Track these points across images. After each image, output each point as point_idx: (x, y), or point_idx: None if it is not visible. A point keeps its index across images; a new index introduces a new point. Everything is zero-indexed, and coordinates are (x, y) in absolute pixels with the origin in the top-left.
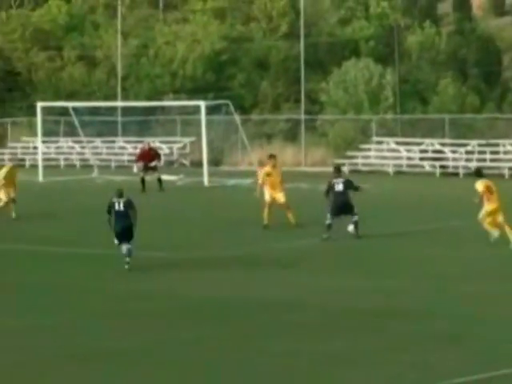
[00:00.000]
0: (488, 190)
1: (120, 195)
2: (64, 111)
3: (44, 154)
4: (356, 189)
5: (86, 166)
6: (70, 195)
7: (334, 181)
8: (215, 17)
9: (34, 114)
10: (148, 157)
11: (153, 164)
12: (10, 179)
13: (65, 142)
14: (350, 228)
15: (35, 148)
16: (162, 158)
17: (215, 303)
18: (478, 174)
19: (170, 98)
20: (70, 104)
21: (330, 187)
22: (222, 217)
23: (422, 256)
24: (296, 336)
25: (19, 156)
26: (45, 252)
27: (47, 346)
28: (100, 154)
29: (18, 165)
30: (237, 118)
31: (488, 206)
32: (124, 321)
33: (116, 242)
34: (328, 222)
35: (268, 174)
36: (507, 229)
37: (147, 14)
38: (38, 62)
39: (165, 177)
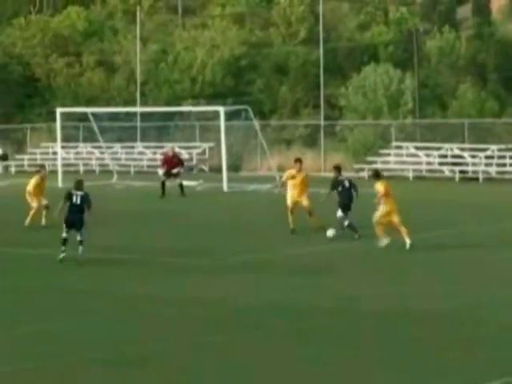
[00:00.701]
0: (386, 191)
1: (79, 187)
2: (83, 117)
3: (63, 159)
4: (356, 189)
5: (106, 172)
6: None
7: (341, 178)
8: (234, 22)
9: (53, 119)
10: (171, 163)
11: (175, 171)
12: (41, 187)
13: (84, 148)
14: (330, 233)
15: (54, 153)
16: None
17: (236, 308)
18: (377, 175)
19: (189, 103)
20: (89, 110)
21: (339, 183)
22: (241, 222)
23: (442, 260)
24: (318, 341)
25: (38, 161)
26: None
27: (69, 350)
28: (119, 159)
29: (37, 171)
30: (256, 123)
31: (384, 208)
32: (146, 326)
33: (65, 229)
34: (347, 222)
35: (292, 177)
36: (402, 230)
37: (166, 19)
38: (57, 68)
39: (184, 182)
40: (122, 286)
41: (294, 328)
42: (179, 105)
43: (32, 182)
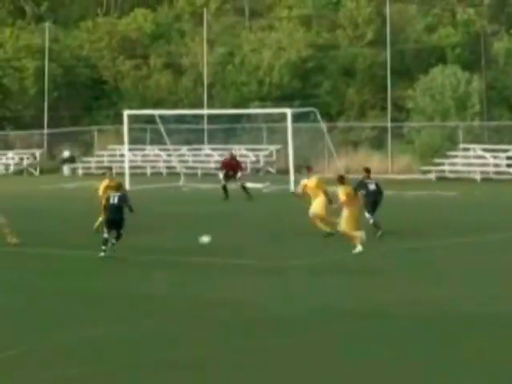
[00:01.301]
0: (348, 196)
1: (117, 189)
2: (150, 119)
3: (131, 161)
4: (381, 192)
5: (173, 174)
6: (157, 204)
7: (367, 181)
8: (301, 24)
9: (120, 122)
10: (230, 166)
11: (236, 175)
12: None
13: (151, 150)
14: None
15: (122, 156)
16: (248, 165)
17: (284, 312)
18: (341, 180)
19: (256, 105)
20: (156, 112)
21: (363, 185)
22: (302, 224)
23: (502, 262)
24: (366, 344)
25: (106, 164)
26: (126, 260)
27: (118, 354)
28: (186, 161)
29: (103, 173)
30: (323, 125)
31: (345, 213)
32: (195, 329)
33: (105, 230)
34: (372, 220)
35: (306, 186)
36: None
37: (233, 21)
38: (124, 70)
39: (251, 184)
40: (175, 287)
41: (341, 331)
42: (246, 107)
43: (102, 185)
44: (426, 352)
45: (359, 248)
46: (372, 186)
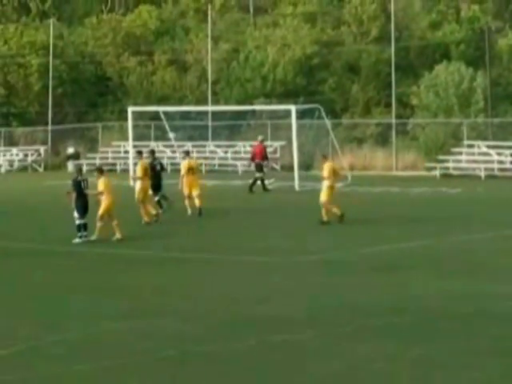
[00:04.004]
0: (106, 188)
1: (82, 173)
2: (155, 115)
3: (135, 158)
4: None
5: (177, 171)
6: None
7: (155, 162)
8: (306, 21)
9: (125, 118)
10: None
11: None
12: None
13: (155, 147)
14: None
15: (126, 152)
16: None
17: (304, 307)
18: (100, 171)
19: (261, 102)
20: (160, 108)
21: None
22: (312, 221)
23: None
24: (392, 339)
25: (110, 160)
26: (146, 256)
27: (139, 348)
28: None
29: (109, 169)
30: (327, 122)
31: (104, 203)
32: (215, 325)
33: (78, 215)
34: (156, 197)
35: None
36: (115, 224)
37: (238, 18)
38: (129, 67)
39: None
40: (190, 284)
41: (366, 326)
42: (251, 103)
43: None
44: (429, 348)
45: (118, 236)
46: (158, 167)
